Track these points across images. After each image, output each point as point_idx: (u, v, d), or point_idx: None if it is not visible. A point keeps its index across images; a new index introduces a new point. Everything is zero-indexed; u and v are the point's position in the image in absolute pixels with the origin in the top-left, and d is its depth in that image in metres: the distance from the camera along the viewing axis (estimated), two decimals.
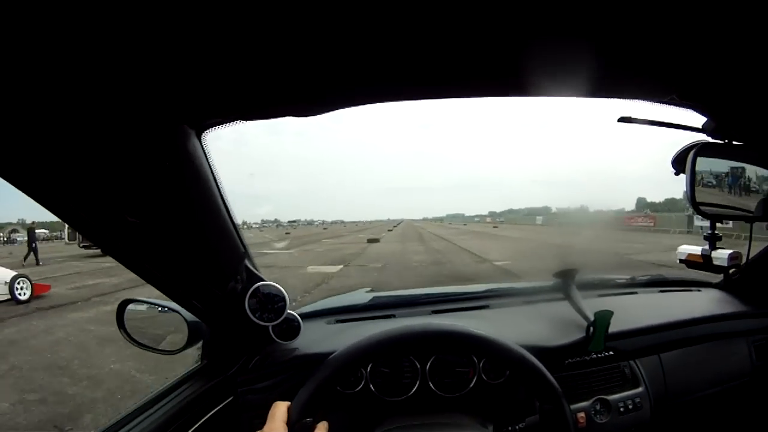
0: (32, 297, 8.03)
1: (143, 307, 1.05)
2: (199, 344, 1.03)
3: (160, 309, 1.03)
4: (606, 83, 0.61)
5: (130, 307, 1.03)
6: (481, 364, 0.97)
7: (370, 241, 22.79)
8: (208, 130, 0.63)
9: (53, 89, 0.43)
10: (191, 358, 1.08)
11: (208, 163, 0.66)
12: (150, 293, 0.98)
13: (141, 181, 0.57)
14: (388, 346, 0.83)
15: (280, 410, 0.72)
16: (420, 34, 0.44)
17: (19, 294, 7.84)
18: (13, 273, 8.04)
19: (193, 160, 0.62)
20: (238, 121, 0.63)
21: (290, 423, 0.71)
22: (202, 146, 0.64)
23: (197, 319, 0.97)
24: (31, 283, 8.13)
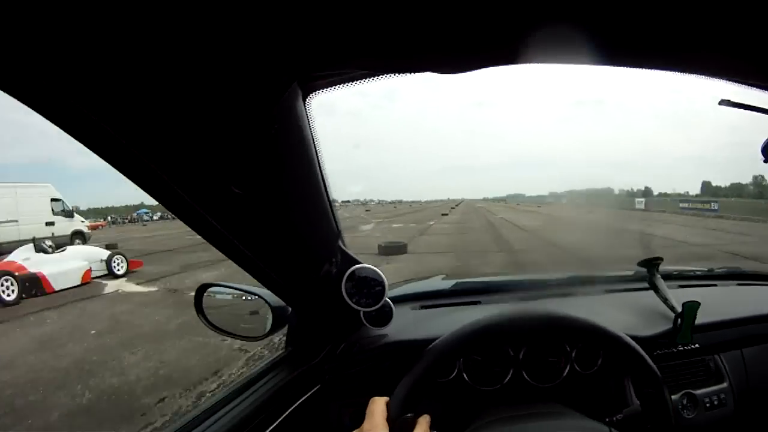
0: (128, 272, 9.29)
1: (222, 292, 1.02)
2: (283, 330, 1.00)
3: (240, 294, 1.00)
4: (693, 57, 0.51)
5: (209, 291, 1.00)
6: (573, 354, 0.94)
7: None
8: (315, 93, 0.59)
9: (155, 47, 0.39)
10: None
11: (311, 132, 0.62)
12: (219, 277, 0.93)
13: (249, 145, 0.53)
14: (492, 332, 0.79)
15: (379, 406, 0.68)
16: None
17: (116, 269, 9.14)
18: (108, 252, 9.43)
19: (300, 126, 0.58)
20: (348, 83, 0.58)
21: (390, 419, 0.67)
22: (307, 112, 0.59)
23: (282, 304, 0.94)
24: (126, 259, 9.46)
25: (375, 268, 0.89)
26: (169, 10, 0.35)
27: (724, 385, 1.02)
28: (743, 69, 0.53)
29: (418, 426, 0.68)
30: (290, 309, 0.96)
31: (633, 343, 0.80)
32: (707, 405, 0.98)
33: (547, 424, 0.76)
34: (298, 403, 0.88)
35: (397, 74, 0.55)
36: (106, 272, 9.02)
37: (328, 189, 0.72)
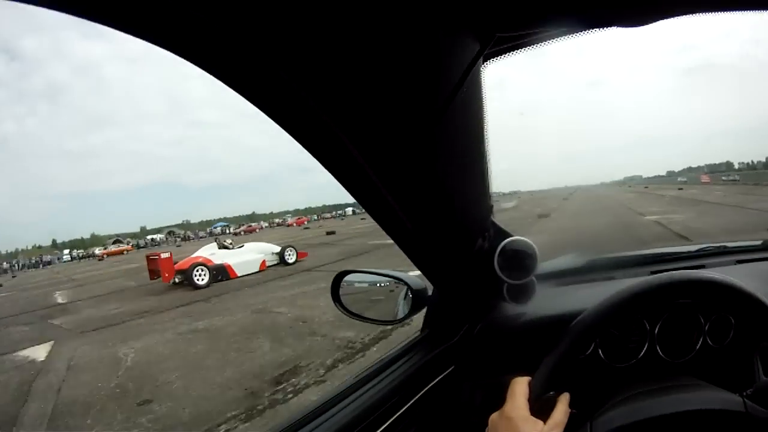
0: (296, 261, 12.65)
1: (360, 279, 1.06)
2: (421, 313, 1.01)
3: (379, 279, 1.03)
4: None
5: (347, 278, 1.05)
6: (707, 327, 0.88)
7: None
8: (492, 60, 0.60)
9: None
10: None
11: (483, 99, 0.62)
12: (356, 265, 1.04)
13: (437, 109, 0.54)
14: (641, 300, 0.75)
15: (520, 386, 0.68)
16: None
17: (288, 259, 12.62)
18: (279, 247, 12.84)
19: (479, 92, 0.58)
20: (529, 47, 0.58)
21: (531, 399, 0.66)
22: (483, 79, 0.60)
23: (421, 287, 0.96)
24: (296, 251, 12.89)
25: (527, 240, 0.87)
26: None
27: None
28: None
29: (558, 404, 0.67)
30: (430, 291, 0.97)
31: None
32: None
33: (683, 396, 0.72)
34: (431, 384, 0.89)
35: (580, 31, 0.54)
36: (277, 262, 12.36)
37: (490, 163, 0.73)
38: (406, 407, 0.84)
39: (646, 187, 53.41)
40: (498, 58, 0.62)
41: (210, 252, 11.54)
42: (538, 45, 0.61)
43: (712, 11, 0.52)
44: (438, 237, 0.78)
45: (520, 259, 0.86)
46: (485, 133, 0.68)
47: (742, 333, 0.89)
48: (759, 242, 1.26)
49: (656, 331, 0.89)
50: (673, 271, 0.81)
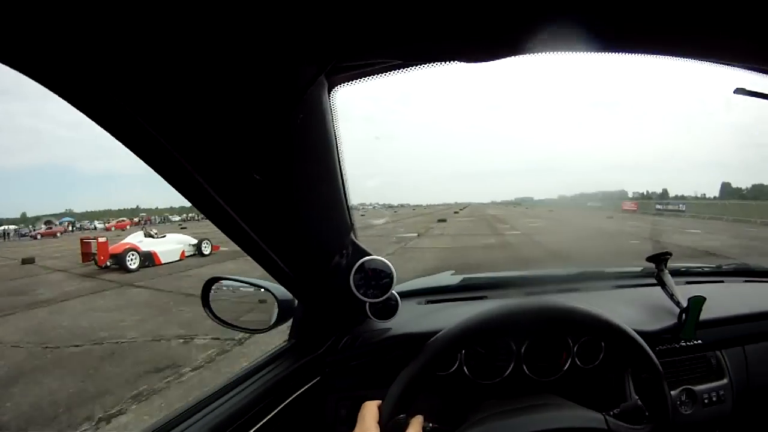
0: (212, 252, 13.05)
1: (230, 285, 1.03)
2: (288, 323, 1.00)
3: (248, 287, 1.01)
4: (703, 42, 0.50)
5: (217, 285, 1.01)
6: (575, 348, 0.93)
7: None
8: (340, 86, 0.60)
9: (182, 35, 0.40)
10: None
11: (334, 125, 0.63)
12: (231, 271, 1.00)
13: (273, 133, 0.54)
14: (496, 323, 0.78)
15: (370, 410, 0.67)
16: None
17: (204, 250, 13.04)
18: (197, 240, 13.13)
19: (324, 118, 0.60)
20: (373, 76, 0.60)
21: (382, 422, 0.66)
22: (331, 106, 0.61)
23: (288, 297, 0.95)
24: (211, 243, 13.16)
25: (385, 260, 0.88)
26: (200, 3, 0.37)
27: (724, 381, 1.02)
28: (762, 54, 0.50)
29: (410, 427, 0.67)
30: (296, 301, 0.96)
31: (636, 336, 0.80)
32: (705, 401, 0.98)
33: (544, 415, 0.75)
34: (296, 394, 0.89)
35: (420, 64, 0.55)
36: (195, 252, 12.94)
37: (345, 182, 0.73)
38: (270, 416, 0.83)
39: (526, 208, 53.63)
40: (351, 83, 0.62)
41: (138, 239, 12.06)
42: (393, 72, 0.60)
43: (560, 51, 0.52)
44: (292, 254, 0.78)
45: (379, 278, 0.87)
46: (337, 155, 0.68)
47: (612, 355, 0.93)
48: (639, 269, 1.32)
49: (522, 351, 0.92)
50: (531, 299, 0.86)
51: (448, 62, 0.52)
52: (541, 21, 0.41)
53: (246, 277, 1.01)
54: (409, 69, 0.59)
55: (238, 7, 0.38)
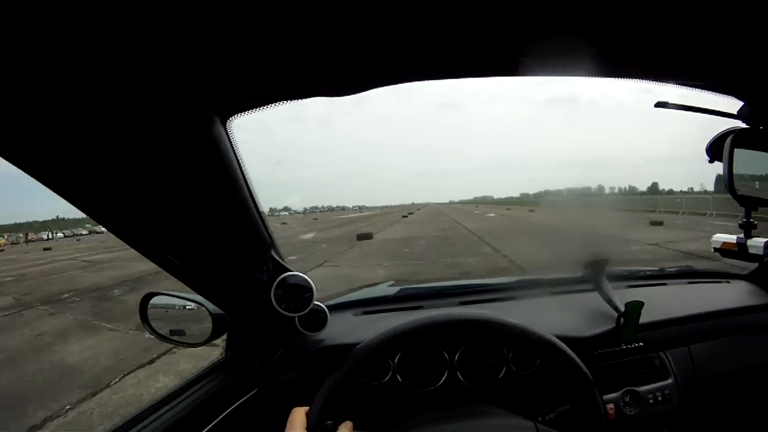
0: None
1: (167, 300, 1.04)
2: (224, 337, 1.02)
3: (183, 302, 1.02)
4: (642, 65, 0.62)
5: (154, 300, 1.02)
6: (510, 355, 0.95)
7: None
8: (233, 117, 0.62)
9: (73, 75, 0.41)
10: (218, 350, 1.08)
11: (234, 150, 0.65)
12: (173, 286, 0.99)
13: (164, 168, 0.56)
14: (412, 336, 0.81)
15: (298, 417, 0.69)
16: (456, 8, 0.44)
17: None
18: None
19: (219, 147, 0.61)
20: (264, 107, 0.62)
21: (310, 428, 0.67)
22: (227, 133, 0.62)
23: (221, 312, 0.96)
24: None
25: (304, 276, 0.90)
26: (87, 42, 0.38)
27: (669, 381, 1.04)
28: (699, 74, 0.63)
29: None
30: (228, 316, 0.97)
31: (563, 345, 0.82)
32: (650, 401, 1.00)
33: (474, 423, 0.77)
34: (232, 407, 0.90)
35: (296, 100, 0.60)
36: None
37: (256, 202, 0.74)
38: (207, 429, 0.84)
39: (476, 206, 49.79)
40: (247, 113, 0.63)
41: None
42: (278, 104, 0.63)
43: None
44: (212, 274, 0.79)
45: (300, 293, 0.90)
46: (243, 178, 0.69)
47: (546, 362, 0.95)
48: (578, 275, 1.32)
49: (456, 359, 0.94)
50: (456, 311, 0.89)
51: (311, 97, 0.58)
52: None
53: (181, 293, 1.01)
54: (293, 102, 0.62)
55: (130, 50, 0.40)
